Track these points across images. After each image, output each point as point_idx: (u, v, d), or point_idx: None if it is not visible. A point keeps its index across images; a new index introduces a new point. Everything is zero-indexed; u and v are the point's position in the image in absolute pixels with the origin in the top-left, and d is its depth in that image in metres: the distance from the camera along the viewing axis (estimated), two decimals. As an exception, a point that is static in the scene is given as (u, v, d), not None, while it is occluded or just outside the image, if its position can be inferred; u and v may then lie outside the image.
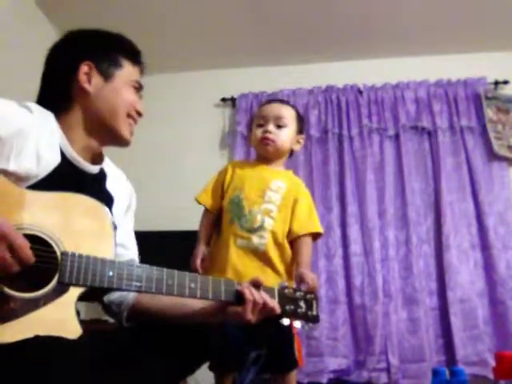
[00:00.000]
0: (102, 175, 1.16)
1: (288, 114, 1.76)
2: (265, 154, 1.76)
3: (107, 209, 1.03)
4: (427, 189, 3.08)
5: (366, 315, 2.79)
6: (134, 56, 1.17)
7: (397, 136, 3.17)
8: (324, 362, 2.71)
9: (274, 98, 2.04)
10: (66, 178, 1.01)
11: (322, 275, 2.87)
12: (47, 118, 1.03)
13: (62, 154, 1.03)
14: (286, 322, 1.13)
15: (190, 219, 3.12)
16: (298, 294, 1.17)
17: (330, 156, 3.15)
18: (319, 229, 1.72)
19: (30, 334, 0.79)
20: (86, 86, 1.08)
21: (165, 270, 0.99)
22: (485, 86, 3.18)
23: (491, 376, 2.22)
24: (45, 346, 0.78)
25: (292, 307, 1.14)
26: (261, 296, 1.06)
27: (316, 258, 2.87)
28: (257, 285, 1.09)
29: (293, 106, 1.86)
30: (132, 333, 1.06)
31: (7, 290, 0.81)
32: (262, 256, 1.63)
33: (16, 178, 0.92)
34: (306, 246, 1.67)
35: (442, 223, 2.93)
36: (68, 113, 1.08)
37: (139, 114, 1.16)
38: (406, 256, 2.93)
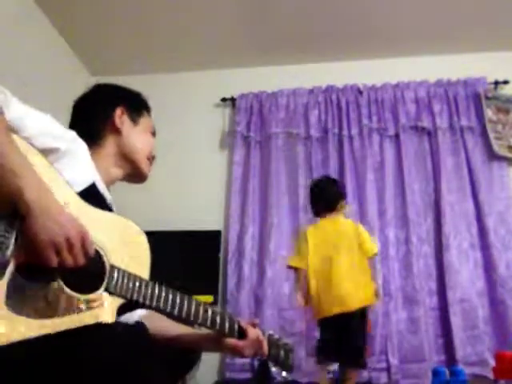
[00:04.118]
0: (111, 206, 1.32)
1: None
2: None
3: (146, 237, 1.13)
4: (427, 189, 3.08)
5: (366, 315, 2.79)
6: (149, 108, 1.41)
7: (397, 136, 3.17)
8: (324, 361, 2.71)
9: None
10: (95, 198, 1.10)
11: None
12: (83, 144, 1.18)
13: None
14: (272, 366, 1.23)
15: (190, 219, 3.14)
16: (280, 342, 1.25)
17: (330, 156, 3.15)
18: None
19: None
20: (121, 126, 1.29)
21: (186, 296, 1.07)
22: (485, 85, 3.18)
23: (491, 376, 2.22)
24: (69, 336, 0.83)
25: (274, 353, 1.22)
26: (260, 335, 1.16)
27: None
28: (254, 324, 1.18)
29: None
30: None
31: (66, 288, 0.87)
32: None
33: None
34: None
35: (442, 223, 2.93)
36: (100, 146, 1.27)
37: (153, 157, 1.39)
38: (405, 256, 2.93)
